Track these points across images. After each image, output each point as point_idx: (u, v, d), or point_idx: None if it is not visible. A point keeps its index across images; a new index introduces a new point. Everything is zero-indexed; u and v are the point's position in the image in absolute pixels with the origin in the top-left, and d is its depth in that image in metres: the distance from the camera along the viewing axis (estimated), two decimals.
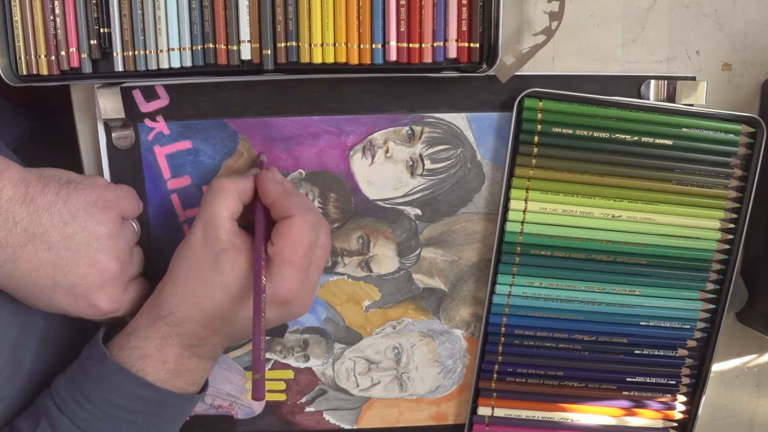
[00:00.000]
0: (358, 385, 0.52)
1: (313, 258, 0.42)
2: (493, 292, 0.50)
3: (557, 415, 0.52)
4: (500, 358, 0.51)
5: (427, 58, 0.43)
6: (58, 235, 0.38)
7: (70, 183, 0.39)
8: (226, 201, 0.41)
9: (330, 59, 0.43)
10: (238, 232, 0.41)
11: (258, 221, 0.42)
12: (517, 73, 0.45)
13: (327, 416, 0.53)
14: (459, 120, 0.48)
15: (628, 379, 0.51)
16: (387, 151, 0.48)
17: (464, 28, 0.43)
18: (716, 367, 0.54)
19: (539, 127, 0.46)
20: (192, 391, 0.43)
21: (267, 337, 0.51)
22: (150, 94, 0.47)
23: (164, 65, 0.43)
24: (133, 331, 0.42)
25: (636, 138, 0.47)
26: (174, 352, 0.41)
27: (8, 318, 0.40)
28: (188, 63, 0.43)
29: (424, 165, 0.49)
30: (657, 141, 0.47)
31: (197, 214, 0.42)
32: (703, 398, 0.51)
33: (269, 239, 0.41)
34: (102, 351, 0.40)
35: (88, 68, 0.43)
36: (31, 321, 0.42)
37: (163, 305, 0.41)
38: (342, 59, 0.43)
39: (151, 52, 0.43)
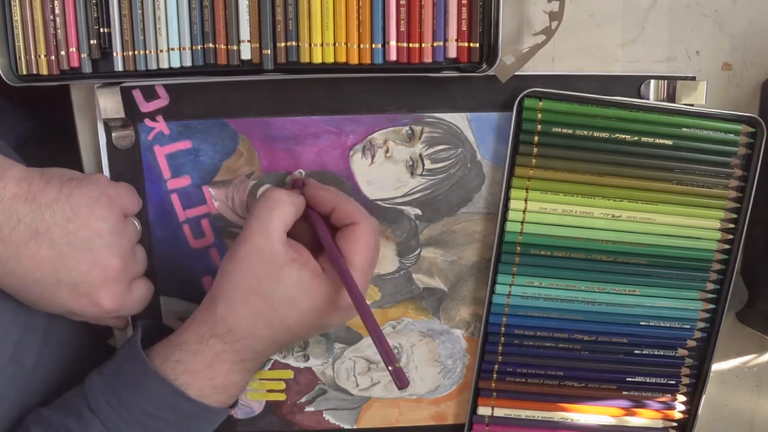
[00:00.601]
0: (357, 385, 0.52)
1: (373, 264, 0.43)
2: (493, 291, 0.50)
3: (557, 415, 0.52)
4: (500, 357, 0.51)
5: (427, 58, 0.43)
6: (61, 232, 0.38)
7: (72, 180, 0.40)
8: (284, 214, 0.41)
9: (330, 59, 0.43)
10: (294, 243, 0.41)
11: (321, 229, 0.42)
12: (517, 73, 0.45)
13: (327, 416, 0.53)
14: (459, 120, 0.48)
15: (627, 379, 0.51)
16: (387, 151, 0.48)
17: (464, 27, 0.43)
18: (716, 367, 0.54)
19: (539, 127, 0.46)
20: (227, 404, 0.43)
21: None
22: (150, 93, 0.47)
23: (164, 65, 0.43)
24: (179, 344, 0.41)
25: (636, 138, 0.47)
26: (224, 368, 0.41)
27: (11, 317, 0.40)
28: (188, 63, 0.43)
29: (424, 165, 0.49)
30: (657, 141, 0.47)
31: (247, 227, 0.41)
32: (703, 398, 0.51)
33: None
34: (142, 357, 0.40)
35: (88, 68, 0.43)
36: (33, 320, 0.42)
37: (219, 323, 0.40)
38: (342, 59, 0.43)
39: (151, 51, 0.43)
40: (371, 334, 0.39)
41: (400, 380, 0.37)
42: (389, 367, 0.37)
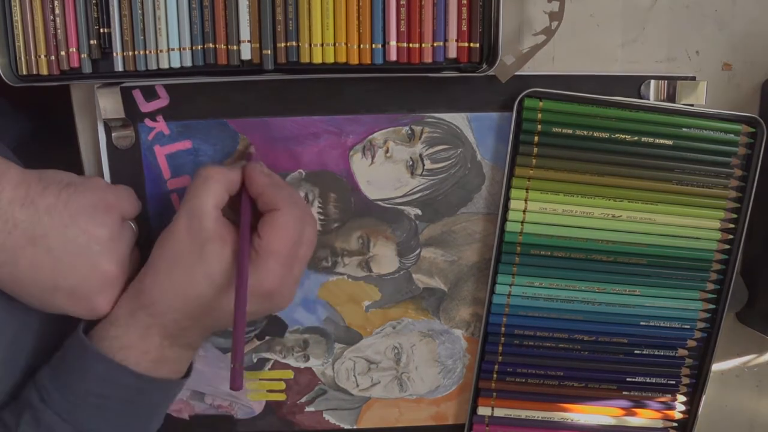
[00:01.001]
0: (357, 385, 0.52)
1: (298, 253, 0.42)
2: (493, 292, 0.50)
3: (557, 415, 0.52)
4: (500, 358, 0.51)
5: (427, 58, 0.43)
6: (59, 238, 0.38)
7: (70, 185, 0.39)
8: (212, 190, 0.40)
9: (330, 59, 0.43)
10: (224, 222, 0.41)
11: (244, 212, 0.42)
12: (517, 73, 0.45)
13: (327, 416, 0.53)
14: (459, 120, 0.48)
15: (628, 379, 0.51)
16: (387, 151, 0.48)
17: (464, 27, 0.43)
18: (716, 367, 0.54)
19: (539, 127, 0.46)
20: (174, 378, 0.43)
21: (268, 337, 0.51)
22: (150, 94, 0.47)
23: (164, 65, 0.43)
24: (114, 320, 0.41)
25: (636, 138, 0.47)
26: (155, 342, 0.41)
27: (5, 316, 0.40)
28: (188, 63, 0.43)
29: (424, 165, 0.49)
30: (657, 141, 0.47)
31: (182, 203, 0.41)
32: (703, 398, 0.51)
33: (255, 231, 0.41)
34: (82, 340, 0.40)
35: (88, 68, 0.43)
36: (27, 320, 0.42)
37: (145, 295, 0.40)
38: (342, 59, 0.43)
39: (151, 52, 0.43)
40: (234, 328, 0.38)
41: (233, 381, 0.37)
42: (233, 364, 0.37)
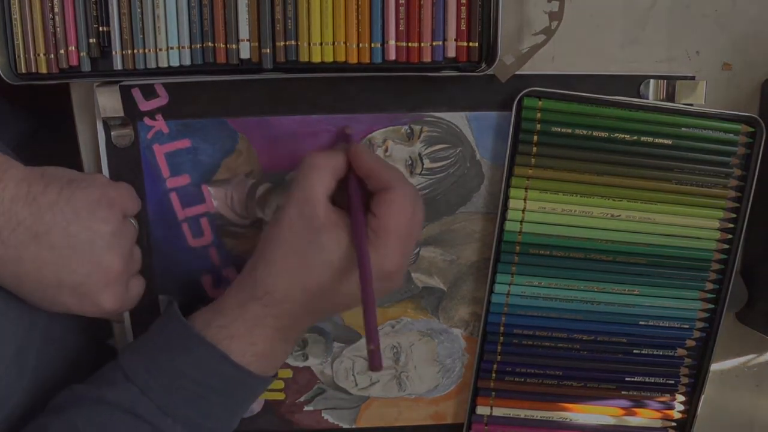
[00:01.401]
0: (356, 384, 0.52)
1: (412, 231, 0.41)
2: (492, 291, 0.50)
3: (556, 415, 0.52)
4: (499, 357, 0.51)
5: (426, 58, 0.43)
6: (62, 234, 0.38)
7: (72, 182, 0.40)
8: (322, 178, 0.40)
9: (329, 58, 0.43)
10: (334, 208, 0.41)
11: (354, 194, 0.41)
12: (516, 73, 0.45)
13: (326, 415, 0.53)
14: (458, 119, 0.48)
15: (627, 379, 0.51)
16: (386, 150, 0.48)
17: (463, 27, 0.43)
18: (716, 367, 0.54)
19: (539, 126, 0.46)
20: (269, 374, 0.43)
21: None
22: (149, 92, 0.47)
23: (163, 64, 0.43)
24: (221, 309, 0.41)
25: (635, 138, 0.47)
26: (265, 333, 0.41)
27: (12, 316, 0.40)
28: (187, 61, 0.43)
29: (423, 164, 0.49)
30: (656, 141, 0.47)
31: (288, 194, 0.41)
32: (702, 398, 0.51)
33: (370, 212, 0.41)
34: (184, 323, 0.40)
35: (87, 67, 0.43)
36: (35, 320, 0.42)
37: (259, 286, 0.40)
38: (341, 58, 0.43)
39: (150, 50, 0.43)
40: (364, 308, 0.38)
41: (373, 361, 0.36)
42: (369, 346, 0.37)
